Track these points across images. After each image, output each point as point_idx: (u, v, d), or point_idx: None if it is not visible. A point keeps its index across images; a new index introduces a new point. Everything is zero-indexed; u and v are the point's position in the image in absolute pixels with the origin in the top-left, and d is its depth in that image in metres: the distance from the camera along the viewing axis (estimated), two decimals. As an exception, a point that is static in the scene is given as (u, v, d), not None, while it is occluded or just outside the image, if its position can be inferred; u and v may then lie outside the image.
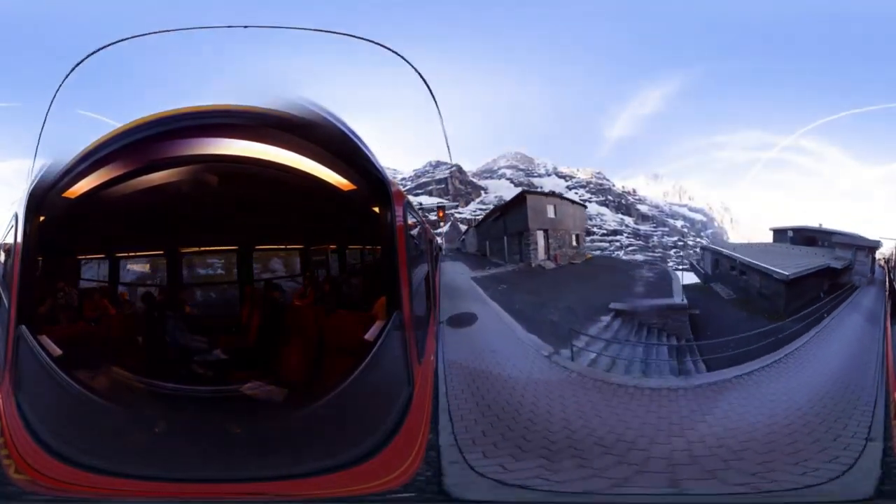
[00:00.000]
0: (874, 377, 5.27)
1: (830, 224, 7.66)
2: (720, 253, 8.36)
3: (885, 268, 6.52)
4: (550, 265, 11.80)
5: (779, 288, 5.90)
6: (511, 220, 12.63)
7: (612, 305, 8.00)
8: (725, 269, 7.64)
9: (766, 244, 8.21)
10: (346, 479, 4.13)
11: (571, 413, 5.34)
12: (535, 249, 11.69)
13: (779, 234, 8.21)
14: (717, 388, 5.29)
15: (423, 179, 14.09)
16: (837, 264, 6.10)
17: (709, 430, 4.79)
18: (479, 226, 14.71)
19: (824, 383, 5.07)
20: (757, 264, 6.74)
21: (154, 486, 4.14)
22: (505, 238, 12.85)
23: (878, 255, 6.55)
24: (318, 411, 4.12)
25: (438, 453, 4.84)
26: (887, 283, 6.31)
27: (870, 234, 6.62)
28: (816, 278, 5.98)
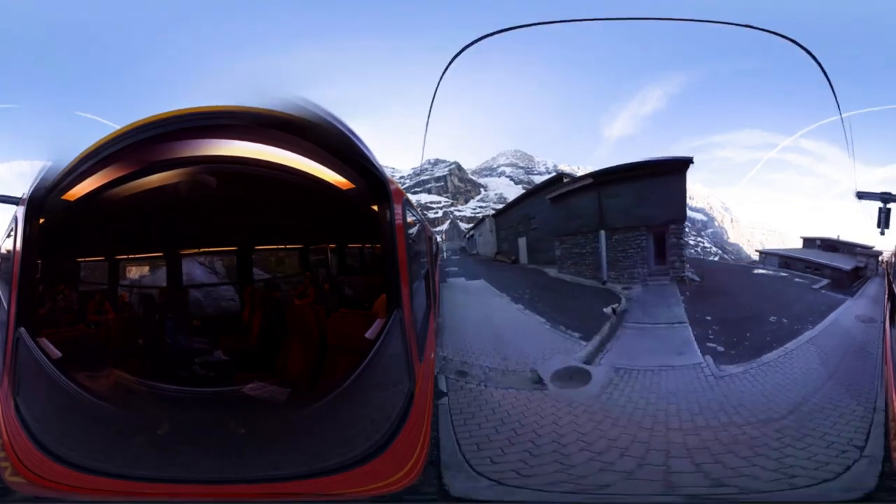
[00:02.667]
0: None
1: (832, 225, 10.78)
2: (790, 256, 11.30)
3: (886, 269, 9.35)
4: (694, 276, 8.50)
5: (843, 275, 9.86)
6: (623, 200, 7.32)
7: (815, 286, 10.14)
8: (800, 267, 10.86)
9: (806, 250, 11.32)
10: (348, 479, 4.12)
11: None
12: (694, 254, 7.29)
13: (808, 241, 11.29)
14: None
15: (423, 177, 14.07)
16: (860, 264, 9.96)
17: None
18: (501, 216, 10.14)
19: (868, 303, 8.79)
20: (831, 263, 10.31)
21: (155, 487, 4.13)
22: (602, 234, 7.61)
23: (880, 259, 9.92)
24: (320, 411, 4.12)
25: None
26: (886, 285, 8.79)
27: (870, 233, 9.26)
28: (854, 271, 9.89)
